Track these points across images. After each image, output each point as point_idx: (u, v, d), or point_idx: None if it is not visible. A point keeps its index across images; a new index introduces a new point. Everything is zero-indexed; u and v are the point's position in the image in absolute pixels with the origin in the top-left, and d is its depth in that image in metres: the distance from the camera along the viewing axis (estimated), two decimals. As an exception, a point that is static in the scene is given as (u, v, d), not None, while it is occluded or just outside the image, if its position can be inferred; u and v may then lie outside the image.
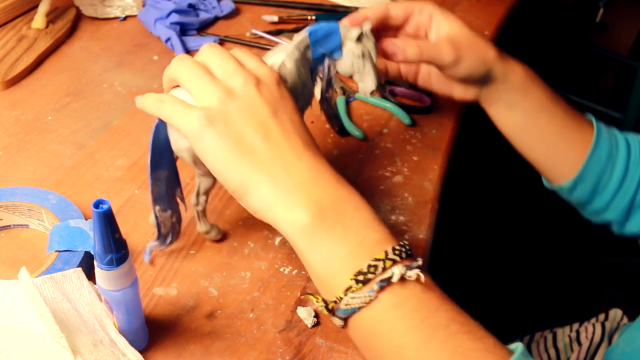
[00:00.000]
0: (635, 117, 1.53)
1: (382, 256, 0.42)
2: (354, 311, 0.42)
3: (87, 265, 0.53)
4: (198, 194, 0.55)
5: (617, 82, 1.97)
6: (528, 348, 0.80)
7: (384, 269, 0.41)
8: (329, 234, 0.43)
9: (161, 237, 0.55)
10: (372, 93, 0.58)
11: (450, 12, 0.64)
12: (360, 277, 0.41)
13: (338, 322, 0.44)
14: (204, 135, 0.45)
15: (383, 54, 0.61)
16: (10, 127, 0.70)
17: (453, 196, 0.80)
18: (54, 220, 0.56)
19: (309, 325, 0.53)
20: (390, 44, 0.60)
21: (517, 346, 0.41)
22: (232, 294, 0.55)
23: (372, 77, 0.58)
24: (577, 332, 0.79)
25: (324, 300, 0.43)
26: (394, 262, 0.42)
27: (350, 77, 0.58)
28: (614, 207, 0.66)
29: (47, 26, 0.86)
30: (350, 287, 0.41)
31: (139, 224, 0.60)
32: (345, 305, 0.42)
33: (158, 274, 0.56)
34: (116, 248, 0.42)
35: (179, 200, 0.55)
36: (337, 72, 0.58)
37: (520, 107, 0.65)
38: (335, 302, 0.42)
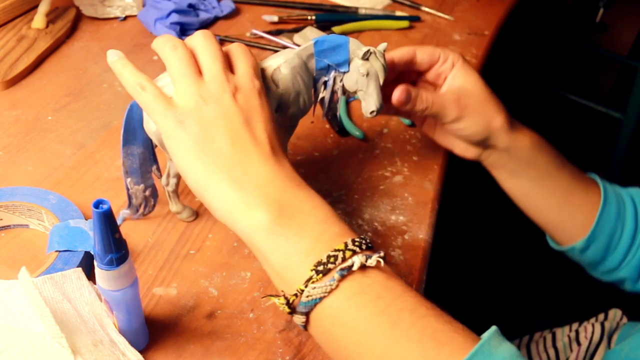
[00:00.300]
0: (635, 117, 1.53)
1: (342, 247, 0.42)
2: (315, 302, 0.42)
3: (87, 265, 0.53)
4: (168, 176, 0.58)
5: (617, 82, 1.97)
6: (527, 348, 0.81)
7: (344, 259, 0.42)
8: (287, 230, 0.43)
9: (132, 207, 0.59)
10: (371, 113, 0.57)
11: (469, 65, 0.63)
12: (320, 268, 0.41)
13: (300, 320, 0.43)
14: (175, 135, 0.46)
15: (393, 96, 0.60)
16: (10, 127, 0.70)
17: (453, 196, 0.80)
18: (54, 220, 0.56)
19: (309, 325, 0.53)
20: (404, 92, 0.59)
21: (492, 327, 0.41)
22: (232, 294, 0.55)
23: (375, 98, 0.57)
24: (577, 331, 0.79)
25: (285, 297, 0.43)
26: (354, 252, 0.42)
27: (355, 92, 0.58)
28: (627, 264, 0.66)
29: (47, 26, 0.86)
30: (310, 278, 0.41)
31: (139, 224, 0.60)
32: (307, 297, 0.42)
33: (158, 274, 0.56)
34: (116, 248, 0.42)
35: (155, 177, 0.58)
36: (343, 85, 0.57)
37: (524, 175, 0.65)
38: (296, 294, 0.42)
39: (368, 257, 0.42)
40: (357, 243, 0.43)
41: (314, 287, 0.41)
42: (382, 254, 0.43)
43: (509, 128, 0.62)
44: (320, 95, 0.58)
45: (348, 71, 0.56)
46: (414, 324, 0.40)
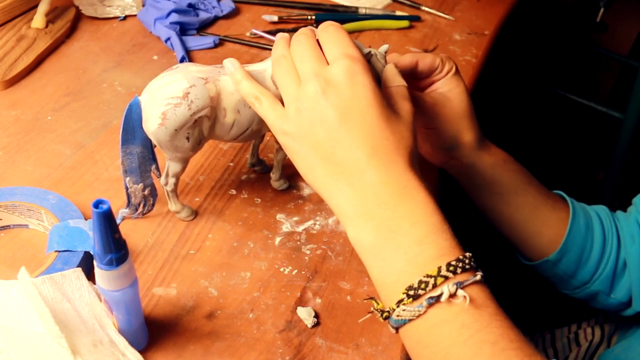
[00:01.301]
0: (635, 117, 1.52)
1: (434, 273, 0.43)
2: (404, 322, 0.44)
3: (87, 265, 0.53)
4: (167, 175, 0.58)
5: (617, 82, 1.97)
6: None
7: (435, 286, 0.42)
8: (382, 250, 0.45)
9: (131, 206, 0.59)
10: None
11: (461, 77, 0.63)
12: (411, 292, 0.43)
13: (391, 329, 0.46)
14: (287, 146, 0.50)
15: None
16: (10, 127, 0.70)
17: (453, 196, 0.80)
18: (53, 220, 0.56)
19: (309, 326, 0.53)
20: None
21: None
22: (232, 294, 0.55)
23: None
24: (576, 333, 0.79)
25: (380, 310, 0.45)
26: (447, 278, 0.42)
27: None
28: (599, 276, 0.67)
29: (46, 26, 0.86)
30: (401, 300, 0.43)
31: (139, 224, 0.60)
32: (397, 316, 0.44)
33: (158, 274, 0.56)
34: (116, 248, 0.42)
35: (154, 176, 0.58)
36: None
37: (487, 190, 0.66)
38: (388, 312, 0.44)
39: (459, 285, 0.42)
40: (451, 267, 0.43)
41: (404, 310, 0.43)
42: (478, 277, 0.43)
43: (475, 147, 0.63)
44: None
45: None
46: (492, 357, 0.41)
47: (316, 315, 0.53)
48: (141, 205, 0.59)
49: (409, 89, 0.53)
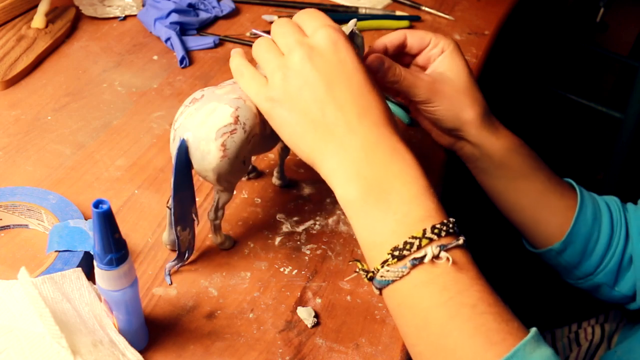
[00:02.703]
0: (636, 117, 1.52)
1: (420, 234, 0.43)
2: (387, 283, 0.44)
3: (87, 265, 0.53)
4: (217, 209, 0.56)
5: (617, 82, 1.97)
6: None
7: (419, 247, 0.43)
8: (372, 210, 0.45)
9: (180, 255, 0.55)
10: None
11: (461, 54, 0.63)
12: (396, 253, 0.43)
13: (375, 290, 0.46)
14: (273, 114, 0.49)
15: (370, 65, 0.59)
16: (10, 127, 0.70)
17: (453, 196, 0.80)
18: (53, 220, 0.56)
19: (309, 326, 0.53)
20: (377, 59, 0.59)
21: (531, 330, 0.42)
22: (232, 294, 0.55)
23: None
24: (576, 333, 0.79)
25: (365, 270, 0.46)
26: (431, 240, 0.43)
27: None
28: (603, 269, 0.66)
29: (46, 26, 0.86)
30: (386, 261, 0.44)
31: (139, 224, 0.60)
32: (380, 276, 0.44)
33: (158, 274, 0.56)
34: (116, 248, 0.42)
35: (194, 216, 0.55)
36: None
37: (495, 174, 0.66)
38: (372, 272, 0.45)
39: (442, 248, 0.43)
40: (436, 230, 0.43)
41: (388, 270, 0.44)
42: (460, 241, 0.44)
43: (480, 124, 0.63)
44: None
45: None
46: (470, 319, 0.41)
47: (316, 315, 0.53)
48: (187, 252, 0.55)
49: (410, 69, 0.55)
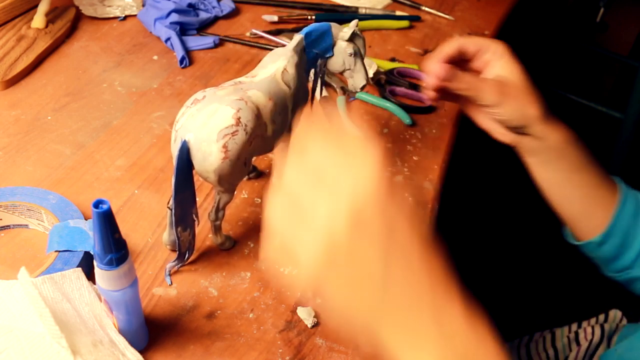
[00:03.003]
0: (635, 117, 1.52)
1: None
2: None
3: (87, 265, 0.53)
4: (217, 210, 0.55)
5: (617, 82, 1.97)
6: (527, 347, 0.81)
7: None
8: None
9: (180, 255, 0.55)
10: (362, 88, 0.62)
11: (514, 55, 0.64)
12: None
13: None
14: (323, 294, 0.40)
15: (436, 72, 0.62)
16: (10, 127, 0.70)
17: (453, 196, 0.80)
18: (53, 220, 0.56)
19: (309, 325, 0.53)
20: (446, 69, 0.61)
21: None
22: (232, 294, 0.55)
23: (363, 74, 0.61)
24: (576, 332, 0.79)
25: None
26: None
27: (341, 73, 0.61)
28: None
29: (46, 26, 0.86)
30: None
31: (139, 224, 0.60)
32: None
33: (158, 274, 0.56)
34: (116, 248, 0.42)
35: (194, 217, 0.55)
36: (326, 70, 0.60)
37: (554, 166, 0.67)
38: None
39: None
40: None
41: None
42: None
43: (543, 119, 0.65)
44: (312, 85, 0.60)
45: (332, 55, 0.59)
46: None
47: (316, 315, 0.53)
48: (187, 252, 0.55)
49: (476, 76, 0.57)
